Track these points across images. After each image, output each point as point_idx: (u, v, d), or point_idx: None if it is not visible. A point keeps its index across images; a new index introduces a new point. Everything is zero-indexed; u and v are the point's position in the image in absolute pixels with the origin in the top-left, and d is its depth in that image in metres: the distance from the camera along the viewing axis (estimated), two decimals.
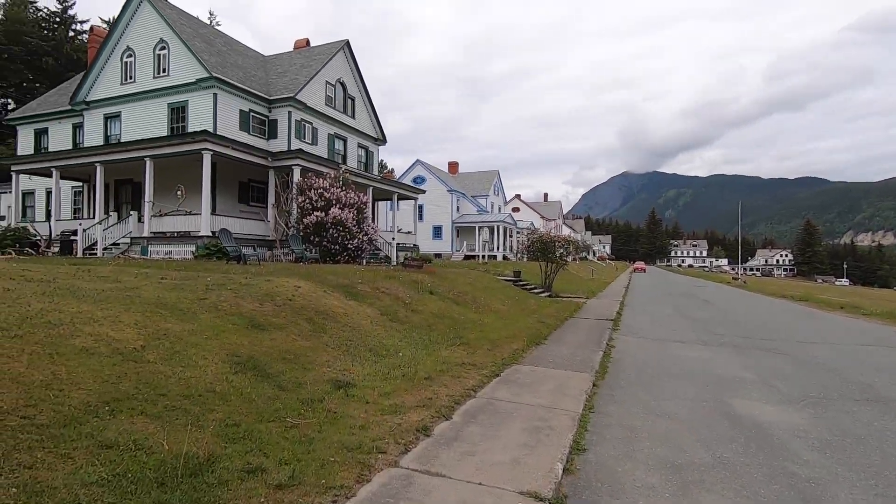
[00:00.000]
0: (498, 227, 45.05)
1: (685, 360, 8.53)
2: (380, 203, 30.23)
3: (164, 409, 3.75)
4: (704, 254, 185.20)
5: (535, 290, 20.17)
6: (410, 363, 6.65)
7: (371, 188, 22.72)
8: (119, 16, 22.15)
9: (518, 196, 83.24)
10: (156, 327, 5.16)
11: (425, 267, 15.88)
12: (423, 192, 30.59)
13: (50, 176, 19.92)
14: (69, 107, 23.72)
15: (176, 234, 17.16)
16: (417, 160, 48.47)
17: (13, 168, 20.54)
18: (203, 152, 16.26)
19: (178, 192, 18.17)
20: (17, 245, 17.46)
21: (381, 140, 29.65)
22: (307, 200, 17.60)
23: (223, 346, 5.31)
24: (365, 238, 18.12)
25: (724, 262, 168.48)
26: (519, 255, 49.56)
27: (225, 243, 12.26)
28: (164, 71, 21.30)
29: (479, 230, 45.29)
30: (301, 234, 17.45)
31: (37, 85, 44.43)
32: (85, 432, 3.09)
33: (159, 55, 21.43)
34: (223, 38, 25.50)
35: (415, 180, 46.40)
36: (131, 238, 17.71)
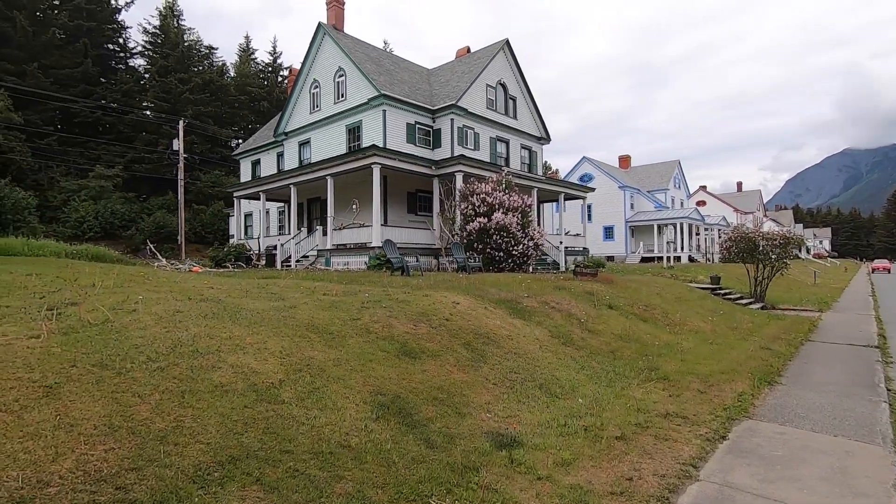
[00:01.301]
0: (681, 224, 39.44)
1: None
2: (545, 205, 28.66)
3: (285, 475, 3.00)
4: None
5: (743, 301, 16.35)
6: (593, 408, 5.12)
7: (535, 190, 21.38)
8: (307, 53, 24.95)
9: (703, 188, 72.74)
10: (300, 356, 4.64)
11: (600, 274, 13.89)
12: (592, 189, 28.07)
13: (259, 199, 23.23)
14: (273, 139, 27.63)
15: (352, 246, 18.24)
16: (584, 157, 45.45)
17: (235, 194, 24.55)
18: (373, 166, 16.93)
19: (353, 206, 19.37)
20: (235, 259, 20.59)
21: (545, 139, 28.08)
22: (469, 206, 17.07)
23: (368, 380, 4.56)
24: (530, 243, 16.84)
25: None
26: (708, 257, 42.70)
27: (389, 254, 12.27)
28: (342, 96, 23.21)
29: (658, 229, 40.28)
30: (464, 241, 16.98)
31: (257, 126, 53.98)
32: None
33: (338, 82, 23.44)
34: (391, 59, 26.97)
35: (582, 179, 43.55)
36: (318, 251, 19.43)
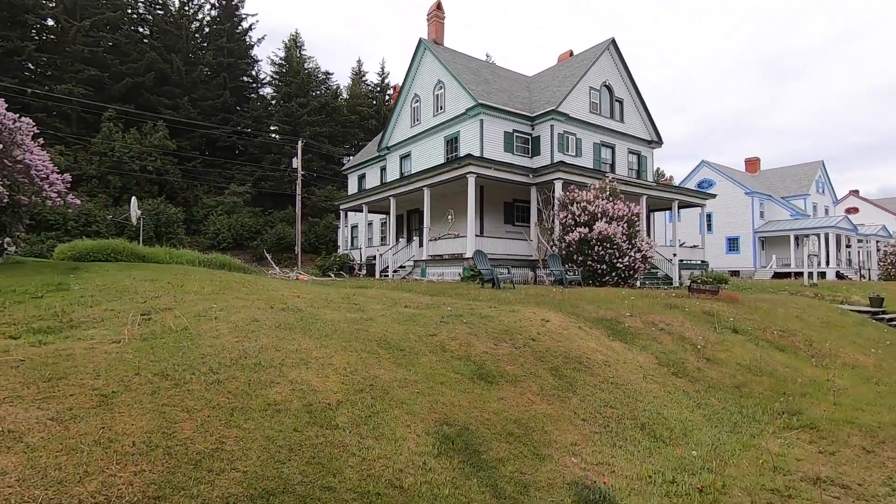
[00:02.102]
0: (826, 234, 33.85)
1: None
2: (656, 214, 26.27)
3: None
4: None
5: None
6: (712, 462, 4.11)
7: (644, 197, 19.59)
8: (408, 69, 25.70)
9: (855, 193, 62.04)
10: (365, 374, 4.30)
11: (722, 291, 12.06)
12: (712, 196, 25.12)
13: (362, 211, 24.23)
14: (377, 153, 28.81)
15: (447, 257, 18.09)
16: (703, 161, 41.22)
17: (341, 207, 25.93)
18: (468, 175, 16.66)
19: (449, 217, 19.27)
20: (339, 268, 21.59)
21: (656, 142, 25.80)
22: (569, 216, 16.02)
23: (435, 406, 4.07)
24: (637, 255, 15.30)
25: None
26: (863, 273, 36.02)
27: (479, 265, 11.79)
28: (441, 108, 23.45)
29: (795, 240, 35.01)
30: (563, 252, 15.95)
31: (365, 143, 57.30)
32: None
33: (437, 95, 23.73)
34: (490, 69, 26.77)
35: (700, 185, 39.52)
36: (414, 261, 19.62)
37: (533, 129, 22.12)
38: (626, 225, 15.58)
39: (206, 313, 5.40)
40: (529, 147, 22.14)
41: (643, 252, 15.53)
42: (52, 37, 42.00)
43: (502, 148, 21.20)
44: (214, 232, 39.85)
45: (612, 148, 23.84)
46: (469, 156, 16.83)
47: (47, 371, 3.38)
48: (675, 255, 19.38)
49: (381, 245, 24.92)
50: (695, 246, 23.60)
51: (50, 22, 42.33)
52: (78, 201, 12.42)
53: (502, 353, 5.44)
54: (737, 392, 6.04)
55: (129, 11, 46.95)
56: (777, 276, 33.52)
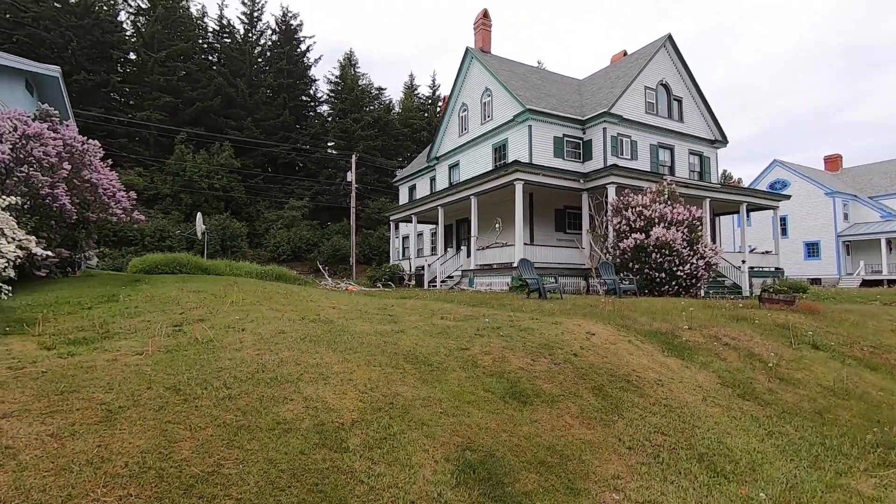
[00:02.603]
0: None
1: None
2: (722, 218, 24.53)
3: None
4: None
5: None
6: None
7: (707, 201, 18.29)
8: (455, 78, 25.70)
9: None
10: (385, 391, 4.04)
11: (799, 301, 10.84)
12: (787, 197, 23.08)
13: (411, 221, 24.33)
14: (426, 164, 28.95)
15: (496, 266, 17.67)
16: (774, 161, 38.24)
17: (391, 218, 26.17)
18: (515, 182, 16.23)
19: (497, 225, 18.87)
20: (389, 279, 21.69)
21: (720, 141, 24.13)
22: (623, 221, 15.16)
23: (458, 428, 3.72)
24: (700, 262, 14.18)
25: None
26: None
27: (525, 275, 11.29)
28: (488, 116, 23.19)
29: (887, 244, 31.50)
30: (618, 260, 15.09)
31: (417, 155, 58.09)
32: None
33: (484, 103, 23.51)
34: (539, 74, 26.23)
35: (772, 186, 36.64)
36: (462, 271, 19.33)
37: (584, 133, 21.34)
38: (686, 230, 14.52)
39: (236, 324, 5.37)
40: (581, 152, 21.36)
41: (706, 259, 14.39)
42: (134, 69, 45.92)
43: (552, 153, 20.59)
44: (275, 245, 41.57)
45: (671, 149, 22.53)
46: (516, 162, 16.41)
47: (63, 384, 3.38)
48: (743, 261, 17.86)
49: (431, 255, 24.86)
50: (767, 252, 21.70)
51: (132, 56, 46.35)
52: (143, 217, 13.17)
53: (539, 370, 5.01)
54: (818, 419, 5.23)
55: (200, 41, 50.55)
56: (866, 284, 30.26)
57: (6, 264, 5.53)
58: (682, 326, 7.26)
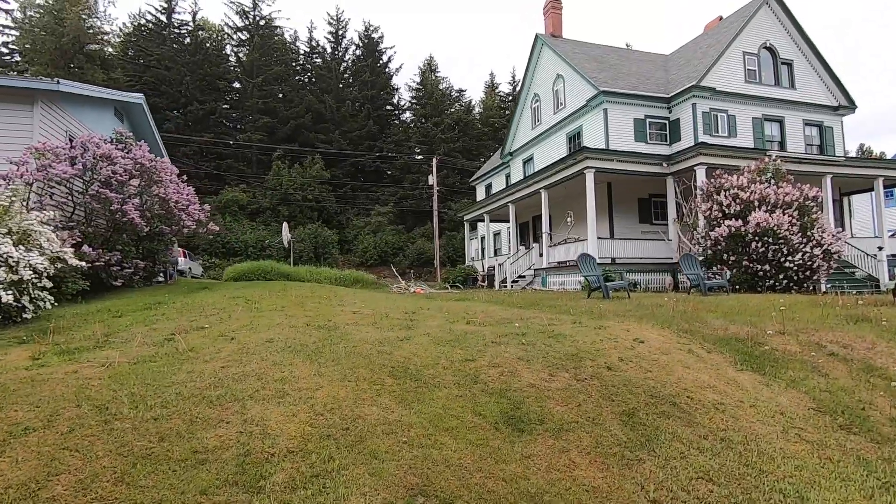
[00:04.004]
0: None
1: None
2: (853, 197, 20.60)
3: None
4: None
5: None
6: None
7: (828, 177, 15.37)
8: (526, 69, 24.53)
9: None
10: (348, 413, 3.43)
11: None
12: None
13: (483, 220, 23.60)
14: (500, 161, 28.04)
15: (571, 264, 16.32)
16: None
17: (465, 218, 25.68)
18: (585, 171, 14.84)
19: (568, 219, 17.48)
20: (463, 280, 21.17)
21: (846, 107, 20.30)
22: (715, 207, 13.12)
23: (419, 464, 2.99)
24: (816, 251, 11.77)
25: None
26: None
27: (584, 272, 10.02)
28: (561, 105, 21.75)
29: None
30: (710, 251, 13.09)
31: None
32: None
33: (556, 91, 22.10)
34: (618, 53, 24.12)
35: None
36: (534, 270, 18.21)
37: (670, 113, 19.12)
38: (796, 213, 12.16)
39: (232, 333, 5.10)
40: (667, 133, 19.17)
41: (825, 246, 11.91)
42: (237, 96, 50.55)
43: (632, 137, 18.69)
44: (362, 250, 43.11)
45: (780, 121, 19.40)
46: (584, 149, 15.01)
47: None
48: (880, 248, 14.65)
49: (504, 255, 23.92)
50: None
51: (237, 84, 51.05)
52: (217, 228, 13.93)
53: (555, 387, 4.07)
54: None
55: (294, 64, 54.34)
56: None
57: (33, 276, 5.80)
58: (768, 332, 5.75)
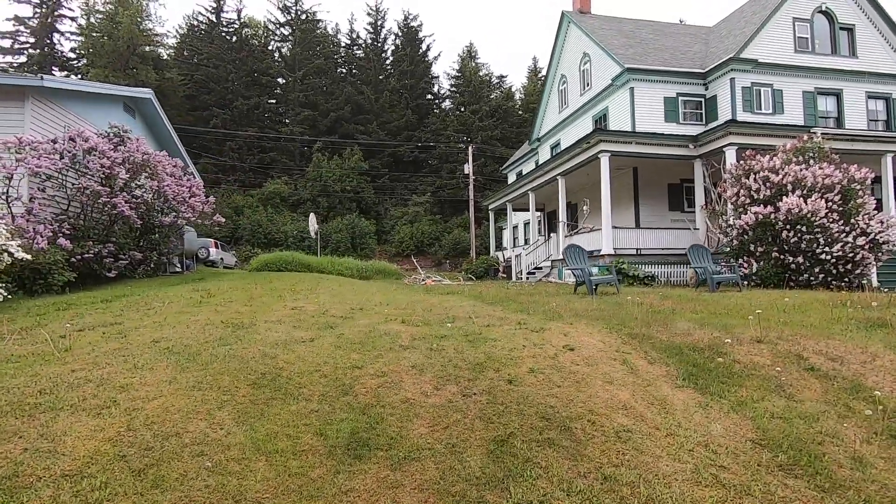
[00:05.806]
0: None
1: None
2: None
3: None
4: None
5: None
6: None
7: (890, 156, 13.41)
8: (552, 49, 23.26)
9: None
10: (165, 429, 3.06)
11: None
12: None
13: (505, 209, 22.75)
14: (530, 148, 26.94)
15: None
16: None
17: (489, 207, 24.90)
18: (599, 155, 13.75)
19: (584, 207, 16.39)
20: (484, 271, 20.54)
21: None
22: (742, 192, 11.73)
23: (205, 496, 2.56)
24: (859, 241, 10.22)
25: None
26: None
27: (570, 265, 9.14)
28: (587, 85, 20.45)
29: None
30: (735, 241, 11.76)
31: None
32: None
33: (583, 70, 20.79)
34: (652, 27, 22.32)
35: None
36: (552, 261, 17.28)
37: (706, 89, 17.45)
38: (839, 198, 10.61)
39: (133, 330, 4.90)
40: (704, 112, 17.54)
41: (871, 235, 10.32)
42: (279, 91, 51.86)
43: (662, 118, 17.23)
44: (399, 240, 43.22)
45: (838, 95, 17.22)
46: (597, 131, 13.91)
47: None
48: None
49: (524, 245, 22.99)
50: None
51: (280, 80, 52.37)
52: (223, 219, 14.13)
53: (432, 403, 3.51)
54: None
55: (335, 57, 55.00)
56: None
57: None
58: (746, 336, 4.83)
